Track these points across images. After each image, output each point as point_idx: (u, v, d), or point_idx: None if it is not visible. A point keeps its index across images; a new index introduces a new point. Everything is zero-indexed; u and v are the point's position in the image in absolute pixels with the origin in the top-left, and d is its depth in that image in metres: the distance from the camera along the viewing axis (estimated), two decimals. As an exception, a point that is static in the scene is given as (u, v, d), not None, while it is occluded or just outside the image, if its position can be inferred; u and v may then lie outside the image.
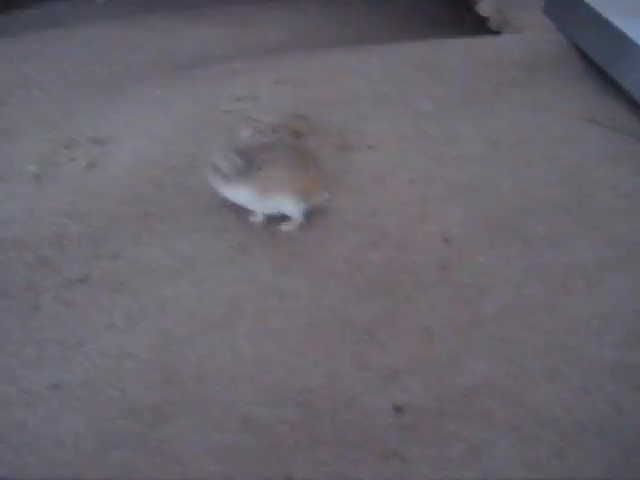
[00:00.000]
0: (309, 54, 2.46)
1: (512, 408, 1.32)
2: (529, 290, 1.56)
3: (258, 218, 1.73)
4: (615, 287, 1.56)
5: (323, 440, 1.27)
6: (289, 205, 1.69)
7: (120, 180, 1.81)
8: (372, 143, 2.03)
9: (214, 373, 1.39)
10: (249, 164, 1.64)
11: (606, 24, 2.13)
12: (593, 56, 2.24)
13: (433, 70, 2.36)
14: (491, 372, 1.38)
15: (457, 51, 2.45)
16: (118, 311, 1.51)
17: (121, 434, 1.28)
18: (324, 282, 1.59)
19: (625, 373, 1.38)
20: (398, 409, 1.32)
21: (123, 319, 1.49)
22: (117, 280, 1.57)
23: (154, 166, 1.86)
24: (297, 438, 1.28)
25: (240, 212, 1.74)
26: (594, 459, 1.24)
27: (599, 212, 1.78)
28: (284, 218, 1.72)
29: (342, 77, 2.30)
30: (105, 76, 2.46)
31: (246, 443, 1.27)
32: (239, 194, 1.69)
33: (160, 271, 1.61)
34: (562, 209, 1.79)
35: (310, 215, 1.73)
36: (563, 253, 1.65)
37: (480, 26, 2.77)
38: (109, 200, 1.75)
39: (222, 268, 1.62)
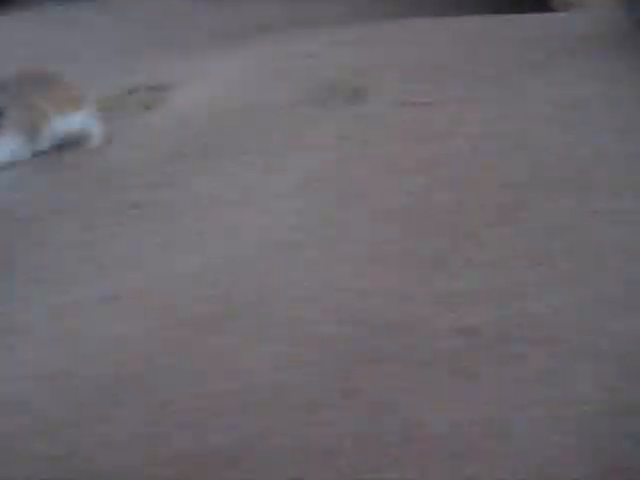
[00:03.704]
0: (362, 25, 2.45)
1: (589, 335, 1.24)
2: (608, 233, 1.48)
3: None
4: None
5: (389, 357, 1.21)
6: None
7: (179, 119, 1.79)
8: (431, 102, 2.00)
9: (276, 293, 1.34)
10: None
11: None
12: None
13: (491, 41, 2.32)
14: (564, 302, 1.30)
15: (514, 24, 2.41)
16: (177, 234, 1.48)
17: (174, 342, 1.23)
18: (387, 217, 1.54)
19: None
20: (467, 331, 1.25)
21: (182, 241, 1.46)
22: (175, 207, 1.55)
23: (213, 107, 1.85)
24: (362, 353, 1.21)
25: (295, 153, 1.70)
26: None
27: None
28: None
29: (397, 43, 2.28)
30: (166, 41, 2.47)
31: (308, 356, 1.21)
32: None
33: (219, 201, 1.57)
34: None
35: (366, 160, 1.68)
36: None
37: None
38: (168, 134, 1.73)
39: (282, 201, 1.58)
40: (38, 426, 1.08)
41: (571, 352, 1.21)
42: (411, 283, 1.37)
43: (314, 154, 1.78)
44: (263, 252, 1.45)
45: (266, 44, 2.23)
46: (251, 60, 2.10)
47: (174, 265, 1.41)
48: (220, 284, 1.37)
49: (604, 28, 2.38)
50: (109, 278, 1.37)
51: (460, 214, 1.54)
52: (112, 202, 1.54)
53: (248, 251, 1.45)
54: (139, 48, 2.41)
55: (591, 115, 1.93)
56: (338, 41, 2.21)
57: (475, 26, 2.40)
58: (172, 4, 2.71)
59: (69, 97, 1.70)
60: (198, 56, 2.23)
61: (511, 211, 1.55)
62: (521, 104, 1.98)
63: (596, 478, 1.00)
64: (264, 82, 1.99)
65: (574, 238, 1.46)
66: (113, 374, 1.17)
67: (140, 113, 1.90)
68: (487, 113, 1.95)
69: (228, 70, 2.06)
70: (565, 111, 1.96)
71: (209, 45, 2.30)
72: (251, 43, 2.26)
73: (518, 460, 1.03)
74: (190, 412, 1.10)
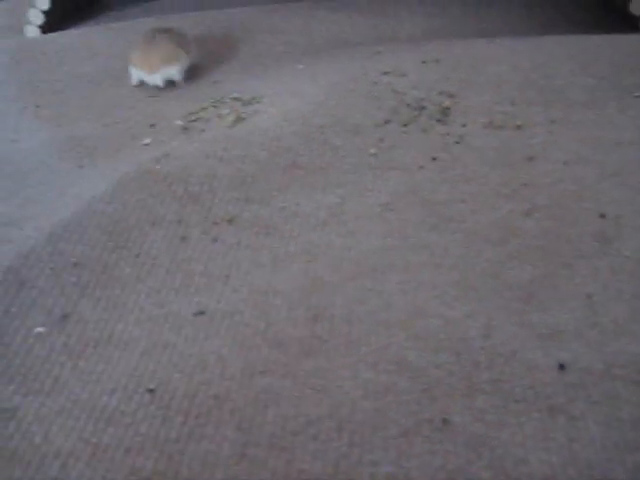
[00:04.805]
0: (451, 42, 2.42)
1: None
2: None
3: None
4: None
5: (482, 389, 1.19)
6: None
7: (268, 133, 1.80)
8: (520, 124, 1.96)
9: (364, 317, 1.34)
10: None
11: None
12: None
13: (585, 62, 2.27)
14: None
15: (608, 45, 2.36)
16: (265, 252, 1.48)
17: (266, 362, 1.24)
18: (476, 243, 1.52)
19: None
20: (562, 367, 1.23)
21: (270, 260, 1.47)
22: (264, 224, 1.55)
23: (302, 123, 1.85)
24: (453, 384, 1.20)
25: (382, 173, 1.71)
26: None
27: None
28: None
29: (486, 63, 2.25)
30: (247, 55, 2.49)
31: (399, 383, 1.21)
32: None
33: (307, 220, 1.58)
34: None
35: (454, 183, 1.68)
36: None
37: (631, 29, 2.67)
38: (258, 148, 1.74)
39: (369, 222, 1.58)
40: (136, 439, 1.10)
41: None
42: (501, 313, 1.35)
43: (400, 175, 1.77)
44: (349, 275, 1.45)
45: (355, 60, 2.23)
46: (340, 76, 2.10)
47: (261, 284, 1.42)
48: (307, 306, 1.37)
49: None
50: (201, 293, 1.39)
51: (554, 243, 1.51)
52: (206, 216, 1.56)
53: (334, 273, 1.45)
54: (223, 60, 2.44)
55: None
56: (426, 59, 2.19)
57: (568, 46, 2.36)
58: (256, 17, 2.74)
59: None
60: (284, 71, 2.24)
61: (606, 243, 1.52)
62: (615, 130, 1.93)
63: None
64: (353, 99, 1.98)
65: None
66: (207, 391, 1.19)
67: (228, 125, 1.92)
68: (579, 138, 1.91)
69: (316, 86, 2.06)
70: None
71: (296, 60, 2.31)
72: (339, 59, 2.27)
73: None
74: (283, 435, 1.11)
